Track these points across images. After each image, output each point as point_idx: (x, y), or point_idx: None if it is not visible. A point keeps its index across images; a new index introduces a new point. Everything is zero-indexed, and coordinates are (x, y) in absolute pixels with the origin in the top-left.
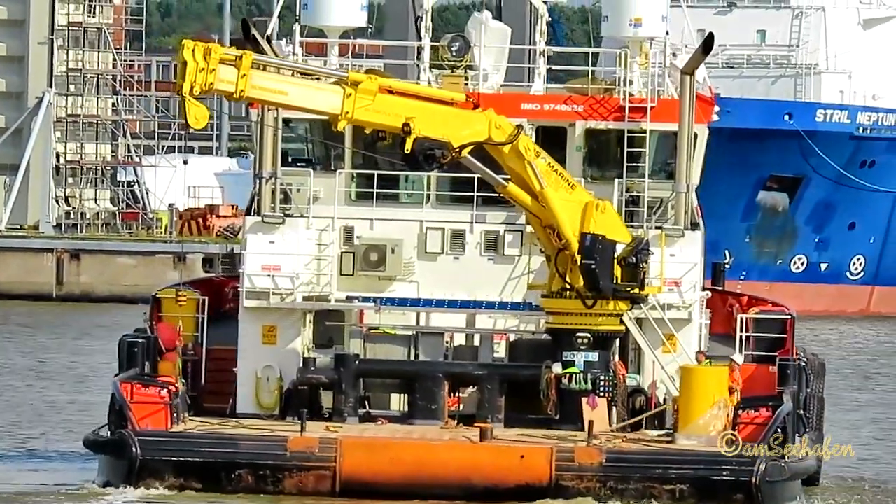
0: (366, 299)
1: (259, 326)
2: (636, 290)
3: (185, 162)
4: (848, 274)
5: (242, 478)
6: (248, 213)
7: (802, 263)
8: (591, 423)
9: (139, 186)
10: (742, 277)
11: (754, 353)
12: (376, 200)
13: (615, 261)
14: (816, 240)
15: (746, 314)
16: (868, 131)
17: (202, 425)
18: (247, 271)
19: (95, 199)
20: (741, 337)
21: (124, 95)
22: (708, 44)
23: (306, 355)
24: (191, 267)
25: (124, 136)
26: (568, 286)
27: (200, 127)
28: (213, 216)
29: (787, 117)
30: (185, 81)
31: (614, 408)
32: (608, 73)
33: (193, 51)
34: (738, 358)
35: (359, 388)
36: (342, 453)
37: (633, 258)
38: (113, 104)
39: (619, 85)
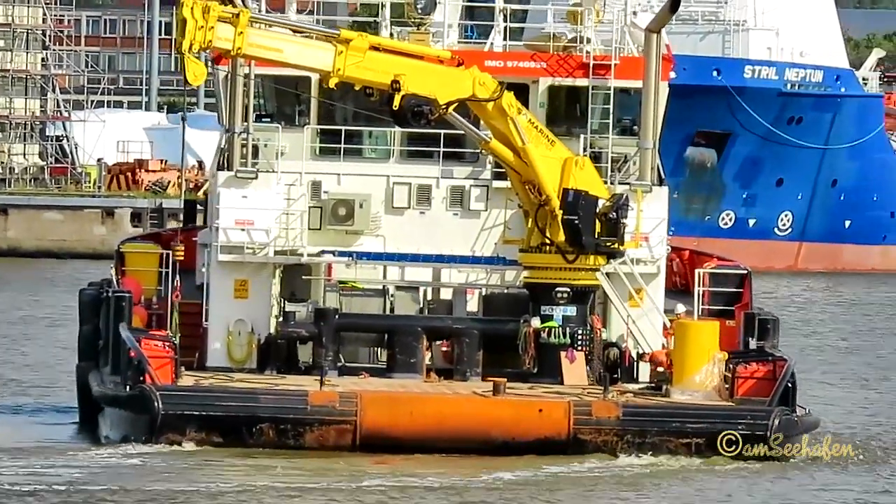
0: (341, 254)
1: (231, 280)
2: (616, 245)
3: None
4: (776, 230)
5: (264, 432)
6: (218, 167)
7: (730, 219)
8: (607, 377)
9: (68, 141)
10: (671, 233)
11: (710, 307)
12: (342, 155)
13: (596, 216)
14: (744, 196)
15: (703, 269)
16: (796, 87)
17: (201, 380)
18: (221, 225)
19: (24, 154)
20: (699, 291)
21: (54, 50)
22: (675, 3)
23: (286, 309)
24: (118, 222)
25: (53, 91)
26: (547, 241)
27: (199, 84)
28: (142, 171)
29: (715, 73)
30: (185, 39)
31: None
32: (534, 31)
33: (192, 8)
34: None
35: (338, 342)
36: (363, 408)
37: (614, 213)
38: (42, 59)
39: (578, 42)
